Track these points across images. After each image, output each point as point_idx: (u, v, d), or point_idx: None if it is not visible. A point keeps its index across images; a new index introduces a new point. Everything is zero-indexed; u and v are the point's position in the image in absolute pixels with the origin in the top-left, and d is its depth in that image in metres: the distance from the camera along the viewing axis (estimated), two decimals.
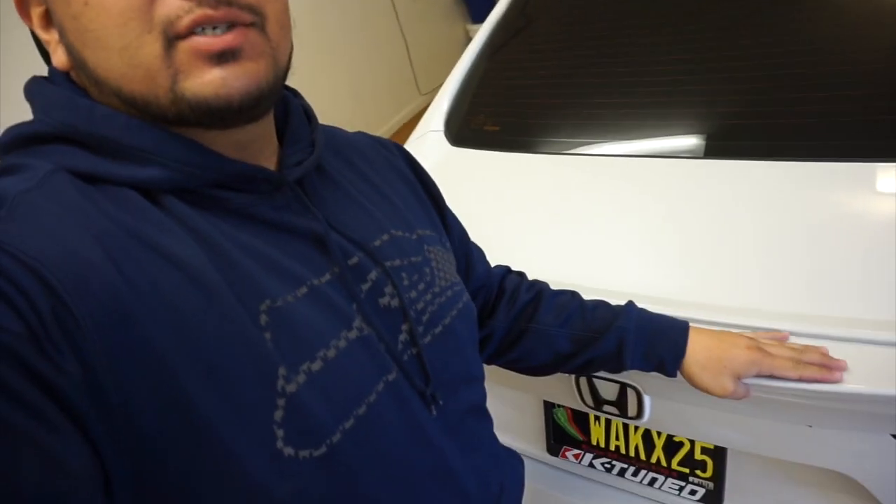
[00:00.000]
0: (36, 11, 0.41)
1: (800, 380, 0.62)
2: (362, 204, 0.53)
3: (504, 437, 1.01)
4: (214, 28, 0.37)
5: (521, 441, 1.00)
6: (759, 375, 0.64)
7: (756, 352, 0.64)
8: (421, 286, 0.53)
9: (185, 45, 0.36)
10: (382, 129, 3.47)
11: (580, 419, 0.92)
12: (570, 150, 1.07)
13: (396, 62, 3.71)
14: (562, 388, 0.86)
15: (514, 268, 0.79)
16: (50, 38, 0.41)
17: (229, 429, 0.36)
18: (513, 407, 0.99)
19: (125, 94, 0.38)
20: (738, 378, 0.65)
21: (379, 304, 0.48)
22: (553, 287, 0.76)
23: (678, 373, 0.67)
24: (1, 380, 0.29)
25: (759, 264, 0.77)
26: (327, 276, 0.45)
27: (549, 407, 0.94)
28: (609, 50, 1.23)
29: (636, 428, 0.87)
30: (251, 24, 0.38)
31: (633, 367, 0.68)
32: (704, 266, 0.80)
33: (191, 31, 0.36)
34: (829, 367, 0.62)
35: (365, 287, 0.48)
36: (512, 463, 0.67)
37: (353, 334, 0.44)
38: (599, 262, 0.86)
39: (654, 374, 0.70)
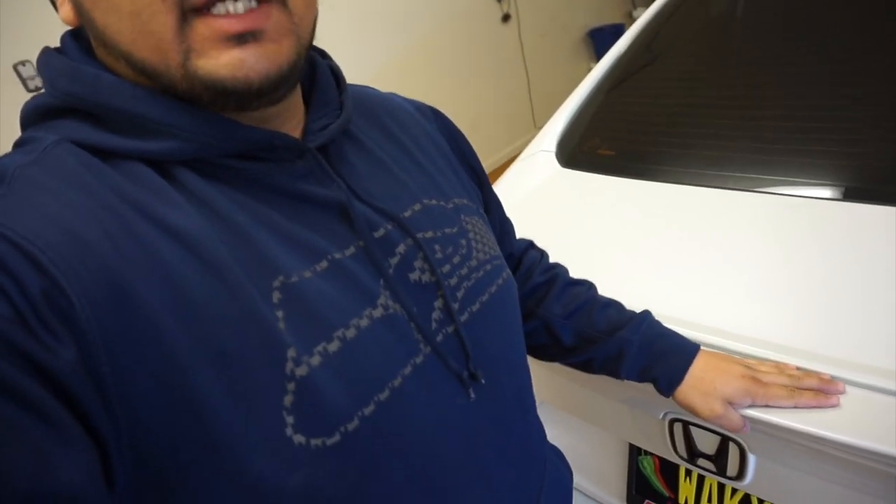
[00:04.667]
0: None
1: (795, 407, 0.61)
2: (392, 171, 0.49)
3: (578, 479, 0.94)
4: (236, 0, 0.33)
5: (597, 486, 0.91)
6: (753, 405, 0.63)
7: (750, 381, 0.63)
8: (456, 259, 0.48)
9: (201, 25, 0.33)
10: (495, 158, 3.48)
11: (668, 471, 0.83)
12: (685, 180, 0.99)
13: (517, 95, 3.73)
14: (652, 432, 0.77)
15: (601, 289, 0.73)
16: None
17: (234, 414, 0.33)
18: (592, 446, 0.91)
19: (135, 61, 0.35)
20: (729, 404, 0.62)
21: (409, 280, 0.44)
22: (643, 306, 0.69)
23: (672, 395, 0.65)
24: None
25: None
26: (351, 250, 0.41)
27: (634, 452, 0.85)
28: (736, 85, 1.16)
29: (734, 492, 0.77)
30: None
31: (628, 379, 0.66)
32: (823, 318, 0.70)
33: (206, 4, 0.33)
34: (825, 392, 0.61)
35: (393, 261, 0.44)
36: (557, 466, 0.62)
37: (377, 312, 0.40)
38: (692, 296, 0.78)
39: (761, 432, 0.64)
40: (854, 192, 0.83)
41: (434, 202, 0.50)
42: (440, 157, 0.55)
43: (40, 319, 0.29)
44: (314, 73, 0.47)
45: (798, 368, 0.65)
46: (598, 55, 4.06)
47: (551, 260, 0.76)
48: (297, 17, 0.37)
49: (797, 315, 0.71)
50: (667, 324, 0.69)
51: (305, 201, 0.41)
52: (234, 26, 0.33)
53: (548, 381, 0.90)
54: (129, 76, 0.37)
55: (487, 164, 3.47)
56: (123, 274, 0.32)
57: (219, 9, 0.33)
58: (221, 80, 0.34)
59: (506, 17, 3.55)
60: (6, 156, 0.36)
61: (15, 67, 2.03)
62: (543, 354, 0.71)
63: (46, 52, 0.40)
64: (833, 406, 0.61)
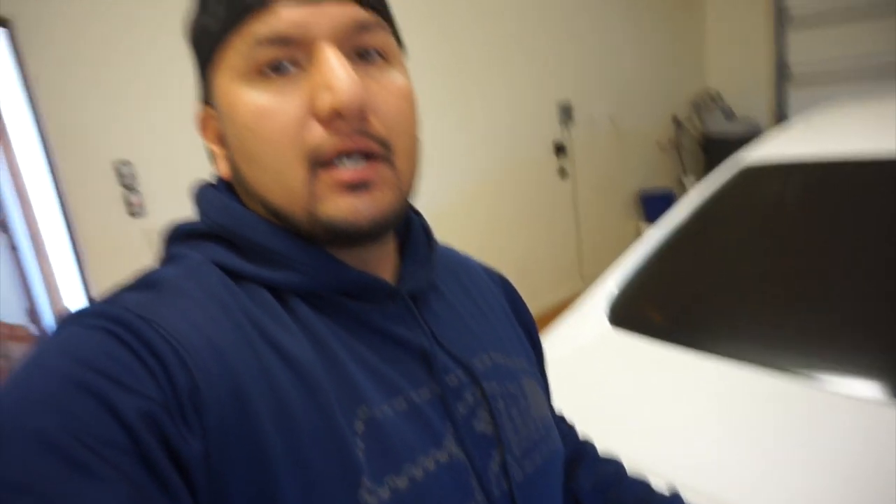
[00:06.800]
0: (211, 131, 0.48)
1: None
2: (467, 322, 0.54)
3: None
4: (350, 157, 0.41)
5: None
6: None
7: None
8: (516, 416, 0.51)
9: (326, 176, 0.41)
10: (539, 303, 3.51)
11: None
12: (730, 354, 1.01)
13: (565, 246, 3.85)
14: None
15: (635, 453, 0.75)
16: (219, 152, 0.48)
17: None
18: None
19: (269, 204, 0.44)
20: None
21: (474, 429, 0.47)
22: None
23: None
24: (142, 443, 0.32)
25: None
26: (426, 393, 0.46)
27: None
28: (789, 264, 1.20)
29: None
30: (381, 157, 0.43)
31: None
32: None
33: (331, 161, 0.41)
34: None
35: (461, 408, 0.47)
36: None
37: (442, 456, 0.44)
38: (722, 471, 0.78)
39: None
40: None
41: (500, 357, 0.54)
42: (504, 318, 0.61)
43: (181, 411, 0.34)
44: (409, 227, 0.54)
45: None
46: (647, 216, 4.21)
47: (589, 416, 0.77)
48: (400, 173, 0.44)
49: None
50: (696, 497, 0.69)
51: (393, 341, 0.47)
52: (351, 176, 0.41)
53: None
54: (263, 215, 0.45)
55: (531, 309, 3.51)
56: (243, 383, 0.38)
57: (341, 163, 0.41)
58: (337, 223, 0.42)
59: (562, 172, 3.76)
60: (161, 268, 0.44)
61: (115, 165, 2.21)
62: None
63: (204, 186, 0.49)
64: None
